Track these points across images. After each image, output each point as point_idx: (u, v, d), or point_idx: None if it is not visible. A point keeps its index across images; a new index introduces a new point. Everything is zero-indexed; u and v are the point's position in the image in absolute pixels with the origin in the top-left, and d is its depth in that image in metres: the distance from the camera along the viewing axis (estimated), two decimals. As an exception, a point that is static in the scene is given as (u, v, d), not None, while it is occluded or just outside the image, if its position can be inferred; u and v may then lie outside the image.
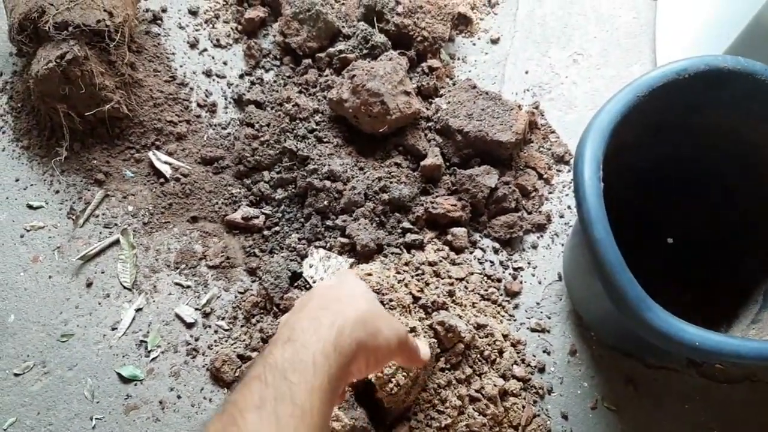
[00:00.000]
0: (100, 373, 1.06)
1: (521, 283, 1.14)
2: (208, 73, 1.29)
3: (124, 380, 1.06)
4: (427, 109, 1.23)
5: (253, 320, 1.09)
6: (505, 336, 1.07)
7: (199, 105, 1.26)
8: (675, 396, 1.06)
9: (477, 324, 1.04)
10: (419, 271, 1.08)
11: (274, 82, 1.27)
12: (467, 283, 1.12)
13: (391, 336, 0.58)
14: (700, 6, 1.24)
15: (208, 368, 1.06)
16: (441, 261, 1.12)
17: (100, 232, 1.16)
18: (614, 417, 1.04)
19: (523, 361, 1.07)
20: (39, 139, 1.21)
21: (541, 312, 1.12)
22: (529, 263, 1.16)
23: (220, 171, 1.21)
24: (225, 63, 1.31)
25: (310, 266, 1.10)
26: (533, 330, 1.11)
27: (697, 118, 0.95)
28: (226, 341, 1.08)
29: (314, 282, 1.08)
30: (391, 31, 1.26)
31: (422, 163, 1.17)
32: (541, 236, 1.18)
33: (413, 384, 0.92)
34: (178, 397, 1.04)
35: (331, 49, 1.26)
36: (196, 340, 1.09)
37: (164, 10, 1.35)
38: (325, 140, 1.19)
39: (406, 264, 1.09)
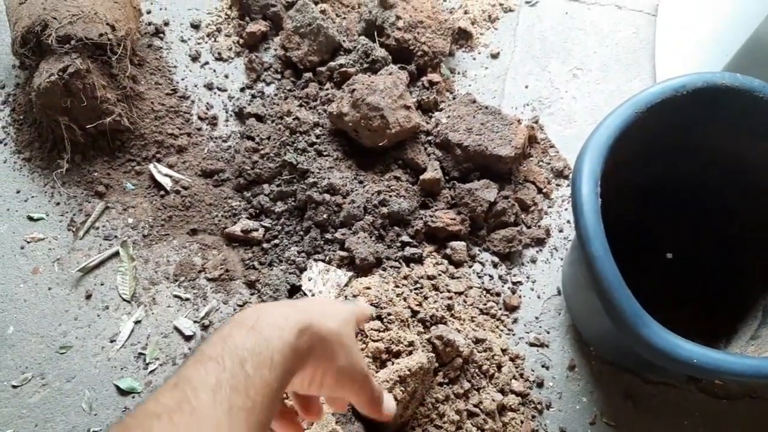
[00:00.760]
0: (98, 386, 1.06)
1: (520, 297, 1.14)
2: (209, 86, 1.30)
3: (122, 393, 1.05)
4: (427, 123, 1.23)
5: (252, 333, 1.09)
6: (503, 350, 1.07)
7: (200, 118, 1.27)
8: (674, 411, 1.06)
9: (475, 338, 1.04)
10: (418, 285, 1.08)
11: (275, 95, 1.28)
12: (466, 297, 1.12)
13: (348, 368, 0.57)
14: (699, 22, 1.24)
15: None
16: (440, 275, 1.12)
17: (100, 244, 1.16)
18: (613, 433, 1.04)
19: (521, 375, 1.07)
20: (40, 151, 1.22)
21: (540, 326, 1.12)
22: (528, 277, 1.16)
23: (220, 184, 1.21)
24: (226, 76, 1.32)
25: (309, 279, 1.10)
26: (532, 344, 1.10)
27: (695, 134, 0.95)
28: (224, 354, 1.08)
29: (313, 295, 1.08)
30: (391, 45, 1.26)
31: (422, 177, 1.17)
32: (540, 250, 1.18)
33: (411, 398, 0.92)
34: (176, 410, 1.04)
35: (331, 63, 1.26)
36: (195, 352, 1.08)
37: (166, 24, 1.36)
38: (325, 154, 1.19)
39: (405, 278, 1.09)
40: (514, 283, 1.15)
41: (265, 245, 1.16)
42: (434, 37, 1.28)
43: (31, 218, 1.18)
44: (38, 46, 1.14)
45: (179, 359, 1.08)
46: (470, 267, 1.16)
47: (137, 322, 1.11)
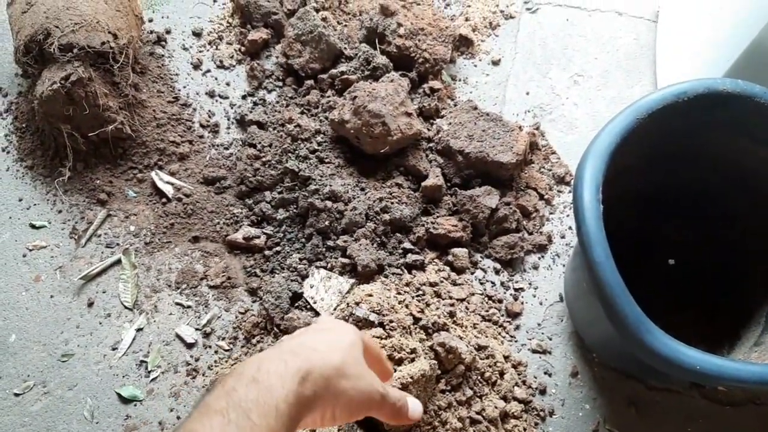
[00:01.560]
0: (100, 394, 1.06)
1: (522, 303, 1.14)
2: (211, 94, 1.30)
3: (124, 400, 1.05)
4: (429, 129, 1.23)
5: (254, 341, 1.09)
6: (506, 357, 1.07)
7: (201, 125, 1.27)
8: (677, 418, 1.05)
9: (478, 345, 1.04)
10: (420, 292, 1.08)
11: (277, 102, 1.28)
12: (468, 303, 1.11)
13: (358, 398, 0.57)
14: (700, 28, 1.24)
15: (208, 389, 1.06)
16: (442, 281, 1.12)
17: (102, 252, 1.16)
18: (616, 440, 1.04)
19: (524, 382, 1.06)
20: (43, 159, 1.22)
21: (543, 333, 1.12)
22: (530, 284, 1.16)
23: (222, 191, 1.21)
24: (228, 84, 1.32)
25: (311, 286, 1.10)
26: (534, 351, 1.10)
27: (696, 140, 0.95)
28: (226, 362, 1.08)
29: (315, 302, 1.08)
30: (392, 52, 1.27)
31: (423, 184, 1.17)
32: (542, 257, 1.18)
33: (413, 406, 0.91)
34: (178, 417, 1.04)
35: (333, 71, 1.27)
36: (197, 360, 1.08)
37: (168, 32, 1.36)
38: (326, 161, 1.19)
39: (407, 284, 1.09)
40: (516, 290, 1.15)
41: (266, 252, 1.16)
42: (435, 44, 1.28)
43: (33, 226, 1.18)
44: (41, 55, 1.14)
45: (181, 367, 1.08)
46: (472, 274, 1.16)
47: (139, 330, 1.11)
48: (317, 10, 1.31)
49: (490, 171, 1.18)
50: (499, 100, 1.33)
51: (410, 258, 1.13)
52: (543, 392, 1.07)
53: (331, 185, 1.14)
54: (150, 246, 1.17)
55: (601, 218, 0.79)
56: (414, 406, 0.66)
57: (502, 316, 1.13)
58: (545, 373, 1.09)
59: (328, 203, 1.14)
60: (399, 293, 1.07)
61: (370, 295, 1.02)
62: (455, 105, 1.29)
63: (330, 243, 1.14)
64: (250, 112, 1.27)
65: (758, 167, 0.96)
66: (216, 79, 1.33)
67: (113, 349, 1.09)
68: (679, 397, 1.07)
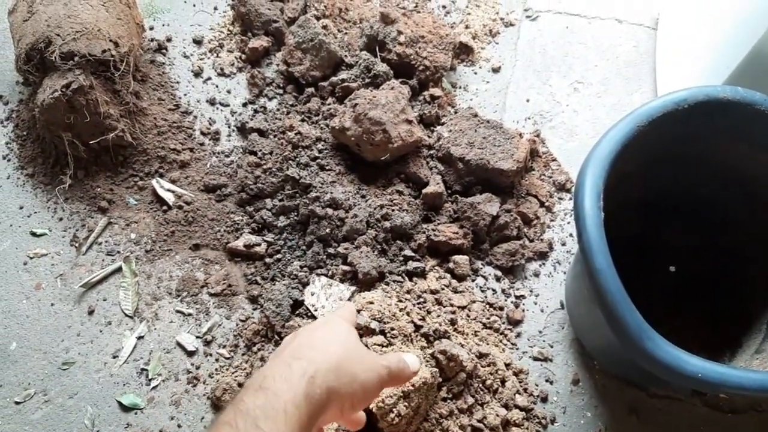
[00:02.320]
0: (100, 402, 1.05)
1: (523, 311, 1.14)
2: (211, 102, 1.31)
3: (125, 409, 1.05)
4: (429, 137, 1.23)
5: (255, 348, 1.09)
6: (507, 365, 1.06)
7: (202, 133, 1.27)
8: (679, 425, 1.05)
9: (479, 353, 1.04)
10: (421, 299, 1.08)
11: (277, 110, 1.28)
12: (469, 311, 1.11)
13: (369, 379, 0.58)
14: (700, 35, 1.25)
15: (209, 397, 1.06)
16: (443, 289, 1.12)
17: (103, 260, 1.16)
18: (618, 447, 1.04)
19: (525, 390, 1.06)
20: (44, 166, 1.22)
21: (544, 340, 1.12)
22: (531, 291, 1.16)
23: (223, 198, 1.21)
24: (229, 91, 1.32)
25: (312, 294, 1.10)
26: (536, 359, 1.10)
27: (697, 147, 0.96)
28: (227, 370, 1.08)
29: (315, 310, 1.08)
30: (393, 60, 1.27)
31: (424, 191, 1.17)
32: (543, 264, 1.18)
33: (415, 414, 0.91)
34: (179, 426, 1.04)
35: (333, 78, 1.27)
36: (197, 368, 1.08)
37: (169, 40, 1.36)
38: (327, 168, 1.19)
39: (408, 292, 1.09)
40: (517, 297, 1.15)
41: (267, 260, 1.16)
42: (435, 52, 1.28)
43: (33, 234, 1.18)
44: (42, 63, 1.15)
45: (181, 375, 1.07)
46: (473, 281, 1.16)
47: (140, 338, 1.10)
48: (318, 18, 1.31)
49: (490, 178, 1.18)
50: (500, 107, 1.33)
51: (411, 265, 1.13)
52: (544, 400, 1.07)
53: (331, 192, 1.14)
54: (151, 254, 1.17)
55: (602, 226, 0.79)
56: (412, 361, 0.69)
57: (504, 323, 1.13)
58: (546, 380, 1.08)
59: (329, 210, 1.14)
60: (400, 301, 1.07)
61: (371, 303, 1.02)
62: (456, 112, 1.29)
63: (331, 250, 1.14)
64: (251, 119, 1.28)
65: (759, 174, 0.96)
66: (217, 86, 1.33)
67: (114, 357, 1.09)
68: (680, 404, 1.06)
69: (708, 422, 1.05)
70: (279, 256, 1.16)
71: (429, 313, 1.06)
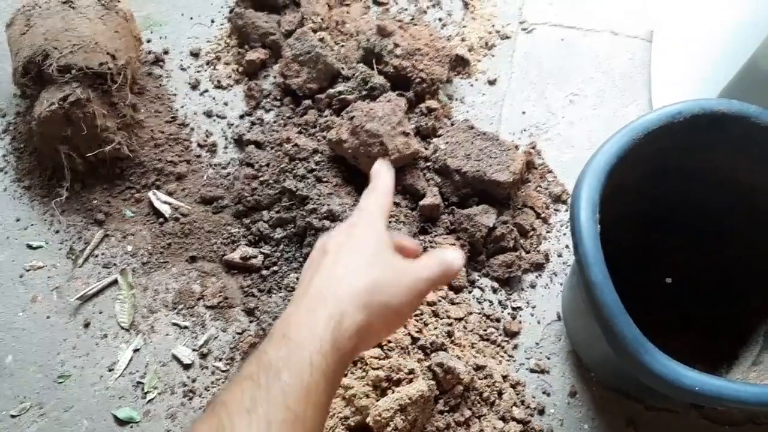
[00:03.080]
0: (96, 415, 1.05)
1: (520, 323, 1.14)
2: (208, 114, 1.31)
3: (120, 422, 1.05)
4: (426, 149, 1.24)
5: (251, 361, 1.08)
6: (504, 377, 1.06)
7: (199, 145, 1.28)
8: (677, 438, 1.05)
9: (476, 365, 1.04)
10: (418, 311, 1.08)
11: (274, 122, 1.29)
12: (466, 323, 1.11)
13: (406, 303, 0.51)
14: (695, 48, 1.26)
15: (205, 410, 1.05)
16: (440, 300, 1.12)
17: (99, 272, 1.16)
18: (616, 460, 1.03)
19: (522, 402, 1.06)
20: (40, 179, 1.22)
21: (541, 352, 1.12)
22: (527, 303, 1.16)
23: (220, 210, 1.21)
24: (226, 104, 1.33)
25: (309, 306, 1.10)
26: (533, 371, 1.10)
27: (693, 160, 0.96)
28: (223, 383, 1.07)
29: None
30: (389, 72, 1.27)
31: (421, 203, 1.17)
32: (540, 275, 1.18)
33: (412, 428, 0.91)
34: (175, 439, 1.03)
35: (330, 90, 1.27)
36: (193, 381, 1.08)
37: (166, 52, 1.37)
38: (324, 180, 1.20)
39: (405, 304, 1.09)
40: (513, 309, 1.15)
41: (264, 272, 1.16)
42: (432, 65, 1.29)
43: (30, 246, 1.18)
44: (39, 76, 1.15)
45: (178, 388, 1.07)
46: (470, 292, 1.16)
47: (136, 351, 1.10)
48: (314, 31, 1.32)
49: (487, 190, 1.18)
50: (496, 119, 1.34)
51: (408, 277, 1.12)
52: (542, 412, 1.06)
53: (329, 204, 1.15)
54: (147, 266, 1.17)
55: (598, 238, 0.79)
56: (453, 257, 0.58)
57: (500, 335, 1.12)
58: (544, 392, 1.08)
59: (326, 222, 1.14)
60: (397, 313, 1.06)
61: (368, 315, 1.02)
62: (452, 124, 1.30)
63: (327, 262, 1.14)
64: (248, 131, 1.28)
65: (755, 185, 0.96)
66: (214, 98, 1.33)
67: (110, 371, 1.08)
68: (677, 417, 1.06)
69: (705, 434, 1.05)
70: (276, 268, 1.16)
71: (426, 325, 1.06)
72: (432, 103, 1.28)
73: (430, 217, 1.18)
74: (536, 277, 1.18)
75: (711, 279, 1.10)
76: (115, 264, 1.17)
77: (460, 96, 1.36)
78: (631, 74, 1.39)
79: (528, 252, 1.20)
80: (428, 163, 1.23)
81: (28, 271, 1.16)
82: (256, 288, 1.15)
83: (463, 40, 1.41)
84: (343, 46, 1.35)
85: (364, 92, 1.25)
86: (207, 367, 1.09)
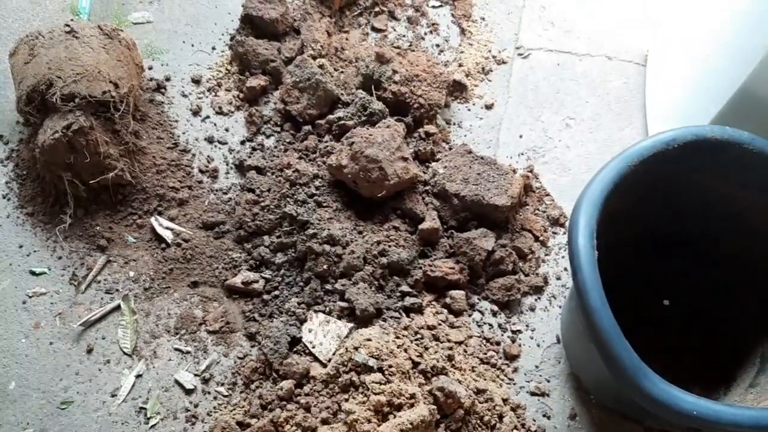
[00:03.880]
0: (98, 442, 1.05)
1: (520, 346, 1.15)
2: (210, 140, 1.32)
3: (123, 449, 1.05)
4: (424, 173, 1.25)
5: (252, 386, 1.09)
6: (504, 400, 1.07)
7: (200, 171, 1.29)
8: (676, 460, 1.06)
9: (477, 389, 1.04)
10: (418, 336, 1.09)
11: (275, 148, 1.30)
12: (466, 346, 1.12)
13: None
14: (688, 72, 1.28)
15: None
16: (440, 324, 1.13)
17: (102, 298, 1.17)
18: (616, 483, 1.04)
19: (523, 425, 1.06)
20: (43, 205, 1.23)
21: (541, 375, 1.13)
22: (527, 326, 1.17)
23: (221, 236, 1.23)
24: (227, 130, 1.34)
25: (310, 331, 1.11)
26: (533, 394, 1.11)
27: (687, 185, 0.98)
28: (225, 408, 1.08)
29: (313, 347, 1.09)
30: (388, 98, 1.29)
31: (420, 227, 1.19)
32: (539, 298, 1.19)
33: (414, 452, 0.92)
34: (177, 465, 1.04)
35: (330, 116, 1.29)
36: (196, 406, 1.08)
37: (168, 79, 1.39)
38: (324, 205, 1.21)
39: (405, 328, 1.10)
40: (513, 332, 1.16)
41: (265, 297, 1.17)
42: (430, 90, 1.31)
43: (33, 273, 1.19)
44: (43, 104, 1.16)
45: (180, 413, 1.08)
46: (470, 316, 1.17)
47: (138, 376, 1.11)
48: (314, 58, 1.34)
49: (485, 214, 1.20)
50: (493, 143, 1.36)
51: (408, 301, 1.14)
52: (542, 435, 1.07)
53: (329, 229, 1.16)
54: (149, 291, 1.18)
55: (596, 264, 0.81)
56: None
57: (500, 358, 1.13)
58: (544, 415, 1.09)
59: (327, 247, 1.15)
60: (397, 337, 1.07)
61: (369, 340, 1.03)
62: (450, 148, 1.31)
63: (328, 287, 1.15)
64: (249, 157, 1.29)
65: (748, 209, 0.98)
66: (215, 125, 1.35)
67: (112, 396, 1.09)
68: (677, 438, 1.07)
69: (705, 456, 1.06)
70: (277, 292, 1.17)
71: (426, 349, 1.07)
72: (430, 128, 1.30)
73: (429, 240, 1.20)
74: (535, 299, 1.19)
75: (707, 301, 1.11)
76: (117, 290, 1.18)
77: (458, 120, 1.38)
78: (626, 98, 1.42)
79: (527, 275, 1.21)
80: (427, 187, 1.24)
81: (30, 297, 1.17)
82: (258, 312, 1.16)
83: (460, 65, 1.44)
84: (342, 72, 1.37)
85: (363, 118, 1.27)
86: (209, 392, 1.10)
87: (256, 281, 1.18)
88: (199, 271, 1.20)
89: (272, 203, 1.22)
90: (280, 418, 1.00)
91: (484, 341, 1.14)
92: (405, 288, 1.15)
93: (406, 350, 1.04)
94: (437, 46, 1.47)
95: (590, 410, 1.09)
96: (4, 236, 1.22)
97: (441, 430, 0.98)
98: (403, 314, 1.13)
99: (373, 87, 1.30)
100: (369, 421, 0.94)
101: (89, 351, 1.12)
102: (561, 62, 1.46)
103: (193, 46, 1.44)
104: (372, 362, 0.99)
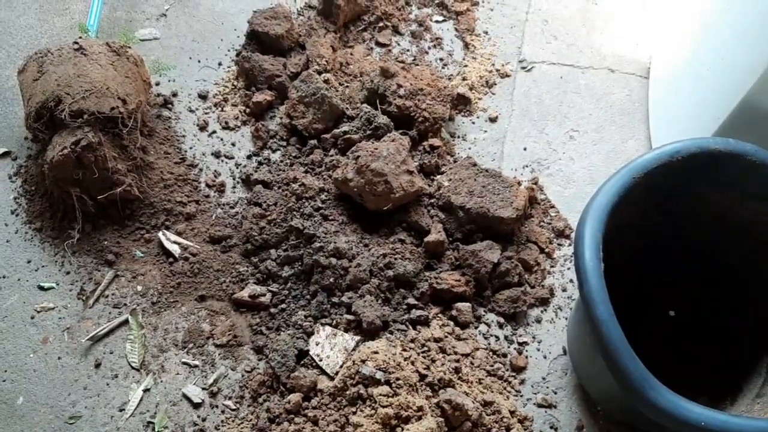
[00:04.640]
0: (107, 456, 1.06)
1: (527, 357, 1.15)
2: (216, 154, 1.34)
3: (131, 463, 1.05)
4: (429, 186, 1.26)
5: (260, 399, 1.09)
6: (512, 412, 1.07)
7: (207, 185, 1.30)
8: (685, 472, 1.05)
9: (484, 401, 1.04)
10: (425, 348, 1.09)
11: (281, 162, 1.31)
12: (473, 358, 1.12)
13: None
14: (691, 83, 1.28)
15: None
16: (446, 337, 1.13)
17: (110, 313, 1.17)
18: (624, 495, 1.04)
19: (530, 438, 1.07)
20: (51, 221, 1.24)
21: (548, 387, 1.13)
22: (533, 337, 1.17)
23: (228, 249, 1.23)
24: (233, 144, 1.35)
25: (317, 344, 1.11)
26: (540, 405, 1.11)
27: (692, 195, 0.98)
28: (233, 421, 1.08)
29: (320, 360, 1.09)
30: (393, 112, 1.30)
31: (426, 239, 1.19)
32: (545, 310, 1.20)
33: (422, 465, 0.92)
34: (185, 479, 1.04)
35: (336, 131, 1.30)
36: (204, 420, 1.09)
37: (175, 95, 1.40)
38: (330, 218, 1.22)
39: (412, 341, 1.10)
40: (520, 344, 1.16)
41: (272, 310, 1.18)
42: (434, 104, 1.32)
43: (41, 288, 1.19)
44: (51, 121, 1.18)
45: (188, 427, 1.08)
46: (476, 328, 1.17)
47: (146, 390, 1.11)
48: (319, 73, 1.35)
49: (491, 226, 1.20)
50: (498, 155, 1.36)
51: (414, 313, 1.14)
52: (550, 447, 1.07)
53: (335, 242, 1.16)
54: (157, 305, 1.18)
55: (602, 276, 0.81)
56: None
57: (507, 370, 1.13)
58: (551, 427, 1.09)
59: (333, 260, 1.15)
60: (404, 350, 1.08)
61: (376, 353, 1.03)
62: (455, 161, 1.32)
63: (335, 299, 1.15)
64: (255, 171, 1.30)
65: (752, 220, 0.98)
66: (221, 139, 1.36)
67: (120, 411, 1.09)
68: (685, 450, 1.07)
69: (713, 468, 1.06)
70: (284, 306, 1.17)
71: (433, 361, 1.07)
72: (435, 141, 1.31)
73: (435, 253, 1.20)
74: (541, 311, 1.20)
75: (713, 312, 1.12)
76: (125, 304, 1.18)
77: (463, 133, 1.39)
78: (629, 110, 1.43)
79: (533, 287, 1.21)
80: (432, 200, 1.25)
81: (39, 312, 1.17)
82: (265, 326, 1.17)
83: (464, 79, 1.45)
84: (347, 87, 1.38)
85: (368, 132, 1.28)
86: (217, 406, 1.10)
87: (263, 294, 1.18)
88: (206, 285, 1.20)
89: (279, 217, 1.23)
90: (287, 431, 1.00)
91: (490, 353, 1.14)
92: (411, 300, 1.16)
93: (413, 363, 1.04)
94: (441, 60, 1.48)
95: (597, 422, 1.09)
96: (13, 252, 1.23)
97: (449, 443, 0.98)
98: (410, 327, 1.14)
99: (377, 101, 1.31)
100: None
101: (97, 365, 1.13)
102: (564, 75, 1.47)
103: (199, 62, 1.46)
104: (379, 375, 0.99)
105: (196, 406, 1.10)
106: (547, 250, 1.25)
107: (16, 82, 1.27)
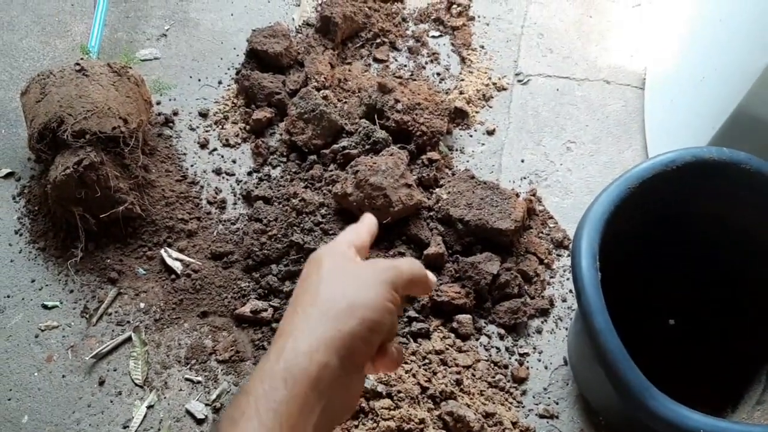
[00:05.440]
0: (111, 474, 1.06)
1: (528, 368, 1.15)
2: (217, 172, 1.35)
3: (136, 480, 1.06)
4: (428, 199, 1.27)
5: (264, 414, 1.10)
6: (513, 423, 1.07)
7: (209, 202, 1.31)
8: (688, 481, 1.05)
9: (486, 412, 1.05)
10: (426, 360, 1.10)
11: (281, 178, 1.33)
12: (474, 370, 1.13)
13: (365, 329, 0.46)
14: (685, 93, 1.30)
15: None
16: (447, 349, 1.13)
17: (113, 330, 1.18)
18: (628, 504, 1.04)
19: (533, 449, 1.07)
20: (55, 240, 1.25)
21: (549, 398, 1.13)
22: (534, 348, 1.18)
23: (230, 265, 1.24)
24: (234, 161, 1.37)
25: (319, 358, 1.11)
26: (542, 416, 1.11)
27: (687, 206, 0.99)
28: (236, 437, 1.08)
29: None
30: (391, 127, 1.32)
31: (425, 252, 1.20)
32: (545, 321, 1.20)
33: (424, 477, 0.92)
34: (190, 496, 1.04)
35: (334, 146, 1.32)
36: (207, 436, 1.09)
37: (176, 113, 1.42)
38: (330, 232, 1.23)
39: (414, 353, 1.11)
40: (521, 355, 1.17)
41: (274, 325, 1.19)
42: (432, 118, 1.33)
43: (45, 306, 1.20)
44: (54, 141, 1.19)
45: (192, 443, 1.09)
46: (477, 340, 1.18)
47: (150, 407, 1.12)
48: (318, 89, 1.37)
49: (490, 238, 1.21)
50: (496, 168, 1.38)
51: (415, 326, 1.15)
52: (552, 458, 1.07)
53: (335, 257, 1.17)
54: (160, 322, 1.19)
55: (599, 286, 0.82)
56: (431, 277, 0.53)
57: (509, 381, 1.14)
58: (554, 438, 1.09)
59: (334, 274, 1.16)
60: (406, 362, 1.08)
61: (378, 366, 1.04)
62: (453, 174, 1.33)
63: (336, 314, 1.16)
64: (256, 187, 1.32)
65: (748, 229, 0.99)
66: (222, 156, 1.37)
67: (124, 428, 1.10)
68: (688, 458, 1.07)
69: (716, 476, 1.06)
70: (286, 321, 1.18)
71: (435, 374, 1.08)
72: (433, 155, 1.32)
73: (435, 265, 1.21)
74: (542, 322, 1.20)
75: (713, 320, 1.12)
76: (128, 321, 1.19)
77: (460, 146, 1.40)
78: (626, 121, 1.44)
79: (533, 298, 1.22)
80: (431, 213, 1.26)
81: (43, 330, 1.18)
82: (267, 341, 1.17)
83: (461, 92, 1.46)
84: (345, 102, 1.40)
85: (367, 146, 1.30)
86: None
87: (265, 310, 1.19)
88: (208, 301, 1.21)
89: (279, 232, 1.24)
90: (291, 445, 1.01)
91: (492, 365, 1.15)
92: (412, 313, 1.17)
93: (414, 375, 1.05)
94: (438, 74, 1.50)
95: (599, 431, 1.10)
96: (17, 271, 1.24)
97: (451, 455, 0.98)
98: (411, 339, 1.14)
99: (376, 116, 1.33)
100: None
101: (101, 383, 1.14)
102: (560, 87, 1.48)
103: (199, 81, 1.47)
104: (381, 388, 1.00)
105: (200, 422, 1.11)
106: (546, 260, 1.25)
107: (20, 103, 1.29)
